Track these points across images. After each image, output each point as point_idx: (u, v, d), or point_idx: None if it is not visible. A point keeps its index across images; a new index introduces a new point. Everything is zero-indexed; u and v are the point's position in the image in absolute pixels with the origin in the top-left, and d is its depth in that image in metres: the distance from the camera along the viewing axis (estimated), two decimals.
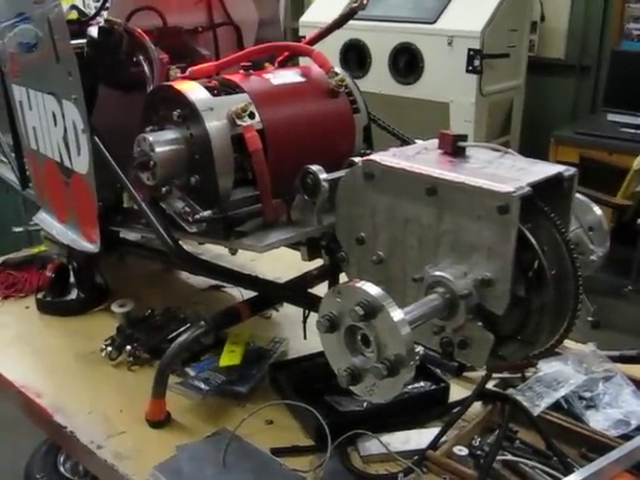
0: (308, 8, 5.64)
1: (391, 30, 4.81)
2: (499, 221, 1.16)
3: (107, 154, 1.77)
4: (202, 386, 1.71)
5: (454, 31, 4.59)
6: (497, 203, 1.15)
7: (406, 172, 1.29)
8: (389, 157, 1.35)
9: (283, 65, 1.81)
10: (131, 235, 2.17)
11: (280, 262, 2.13)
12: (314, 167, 1.46)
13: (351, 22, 1.84)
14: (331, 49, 4.34)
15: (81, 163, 1.88)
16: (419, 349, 1.11)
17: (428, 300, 1.21)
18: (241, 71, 1.63)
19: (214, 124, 1.46)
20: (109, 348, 1.91)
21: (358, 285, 1.10)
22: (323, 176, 1.45)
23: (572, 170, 1.28)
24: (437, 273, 1.24)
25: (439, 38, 4.62)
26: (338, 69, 1.69)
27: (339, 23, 1.81)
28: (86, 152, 1.84)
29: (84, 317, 2.20)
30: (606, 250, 1.48)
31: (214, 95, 1.52)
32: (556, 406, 1.62)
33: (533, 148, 4.96)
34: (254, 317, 1.84)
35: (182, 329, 1.88)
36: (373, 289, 1.08)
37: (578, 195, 1.37)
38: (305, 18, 5.31)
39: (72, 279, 2.28)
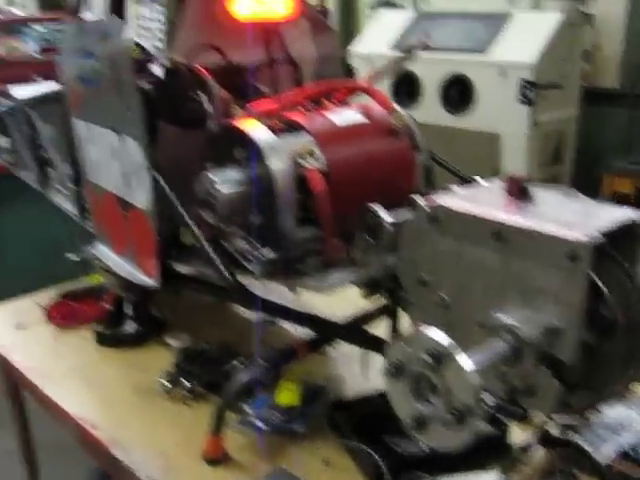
0: (357, 37, 5.66)
1: (442, 60, 4.79)
2: (569, 268, 1.13)
3: (167, 190, 1.78)
4: (260, 424, 1.70)
5: (506, 61, 4.56)
6: (568, 251, 1.12)
7: (472, 216, 1.27)
8: (454, 200, 1.34)
9: (343, 102, 1.81)
10: (184, 269, 2.18)
11: (336, 296, 2.12)
12: (376, 207, 1.45)
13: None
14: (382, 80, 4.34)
15: (141, 198, 1.91)
16: (488, 398, 1.09)
17: (494, 346, 1.19)
18: (303, 109, 1.63)
19: (277, 164, 1.47)
20: (165, 382, 1.92)
21: (426, 332, 1.09)
22: (385, 216, 1.44)
23: None
24: (503, 319, 1.22)
25: (491, 68, 4.60)
26: (399, 108, 1.69)
27: (399, 62, 1.82)
28: (146, 187, 1.86)
29: (140, 349, 2.22)
30: None
31: (277, 134, 1.53)
32: (620, 452, 1.58)
33: (586, 179, 4.90)
34: None
35: (238, 364, 1.88)
36: (442, 337, 1.07)
37: None
38: (355, 47, 5.33)
39: (128, 311, 2.30)
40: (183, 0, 1.91)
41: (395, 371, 1.13)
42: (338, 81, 1.85)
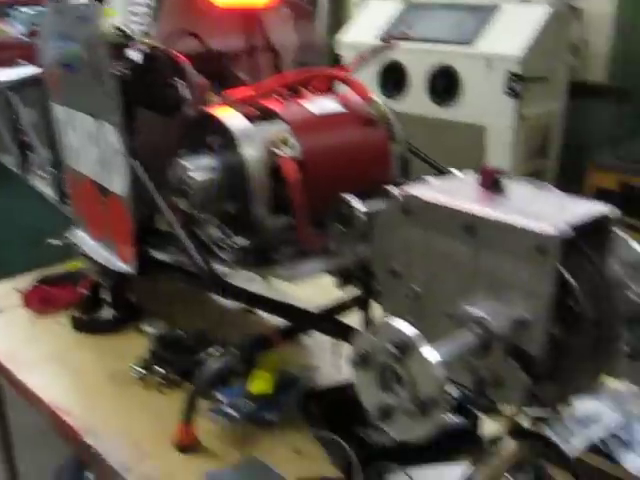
0: (345, 26, 5.63)
1: (429, 51, 4.77)
2: (538, 262, 1.13)
3: (144, 177, 1.78)
4: (232, 413, 1.69)
5: (493, 54, 4.55)
6: (536, 243, 1.12)
7: (445, 208, 1.27)
8: (427, 191, 1.33)
9: (321, 90, 1.80)
10: (161, 256, 2.17)
11: (314, 285, 2.11)
12: (349, 197, 1.45)
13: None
14: (369, 70, 4.33)
15: (118, 184, 1.90)
16: (453, 390, 1.09)
17: (462, 338, 1.19)
18: (279, 97, 1.62)
19: (251, 153, 1.46)
20: (139, 369, 1.91)
21: (392, 323, 1.09)
22: (358, 206, 1.43)
23: (617, 212, 1.25)
24: (472, 310, 1.22)
25: (477, 60, 4.58)
26: (376, 97, 1.68)
27: (379, 51, 1.82)
28: (123, 173, 1.85)
29: (116, 335, 2.21)
30: None
31: (252, 122, 1.52)
32: (590, 446, 1.59)
33: (572, 173, 4.90)
34: None
35: (212, 352, 1.88)
36: (407, 328, 1.07)
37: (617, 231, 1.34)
38: (343, 36, 5.31)
39: (105, 297, 2.29)
40: None
41: (361, 361, 1.13)
42: (315, 69, 1.84)
